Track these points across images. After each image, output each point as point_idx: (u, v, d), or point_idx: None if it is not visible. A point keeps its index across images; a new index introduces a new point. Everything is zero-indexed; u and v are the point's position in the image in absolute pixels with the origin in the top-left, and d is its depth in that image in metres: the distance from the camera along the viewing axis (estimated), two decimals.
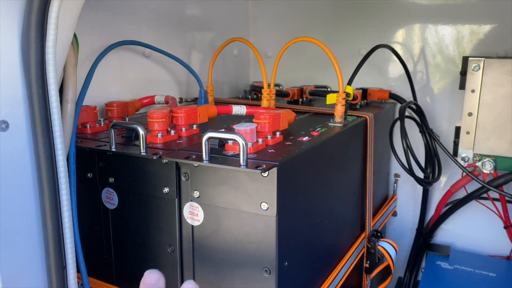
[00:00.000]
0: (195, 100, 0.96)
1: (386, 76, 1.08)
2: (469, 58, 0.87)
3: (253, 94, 1.05)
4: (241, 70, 1.20)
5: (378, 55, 0.87)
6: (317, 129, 0.66)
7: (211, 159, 0.49)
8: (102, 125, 0.67)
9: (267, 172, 0.47)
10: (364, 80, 1.01)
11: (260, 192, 0.48)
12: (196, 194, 0.52)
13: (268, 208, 0.48)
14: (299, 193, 0.54)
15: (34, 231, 0.44)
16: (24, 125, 0.43)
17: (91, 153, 0.59)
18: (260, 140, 0.55)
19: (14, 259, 0.43)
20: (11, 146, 0.42)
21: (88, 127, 0.64)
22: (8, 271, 0.43)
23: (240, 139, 0.47)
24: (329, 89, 1.06)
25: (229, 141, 0.52)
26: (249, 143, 0.52)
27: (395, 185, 1.07)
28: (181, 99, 0.95)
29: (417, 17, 1.02)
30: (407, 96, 1.00)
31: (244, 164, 0.47)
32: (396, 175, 1.06)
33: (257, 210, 0.49)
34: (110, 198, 0.59)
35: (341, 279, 0.71)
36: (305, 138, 0.60)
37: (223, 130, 0.63)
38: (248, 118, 0.76)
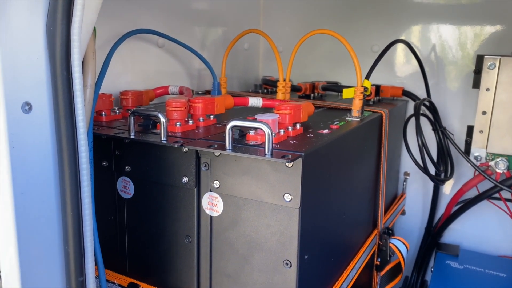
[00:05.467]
0: (206, 93, 0.95)
1: (397, 73, 1.07)
2: (485, 57, 0.86)
3: (263, 88, 1.04)
4: (250, 64, 1.19)
5: (389, 52, 0.86)
6: (335, 123, 0.65)
7: (234, 148, 0.48)
8: (117, 113, 0.66)
9: (291, 163, 0.46)
10: (376, 76, 1.00)
11: (284, 183, 0.47)
12: (216, 184, 0.51)
13: (291, 199, 0.47)
14: (320, 185, 0.54)
15: (53, 217, 0.43)
16: (47, 108, 0.42)
17: (107, 141, 0.58)
18: (281, 131, 0.54)
19: (33, 244, 0.42)
20: (34, 128, 0.41)
21: (103, 115, 0.63)
22: (26, 256, 0.42)
23: (266, 128, 0.46)
24: (339, 85, 1.05)
25: (251, 131, 0.51)
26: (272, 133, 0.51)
27: (405, 183, 1.06)
28: (192, 91, 0.93)
29: (430, 15, 1.01)
30: (418, 94, 1.00)
31: (269, 153, 0.46)
32: (406, 174, 1.06)
33: (279, 201, 0.48)
34: (126, 187, 0.58)
35: (354, 276, 0.70)
36: (325, 131, 0.59)
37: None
38: (264, 110, 0.75)
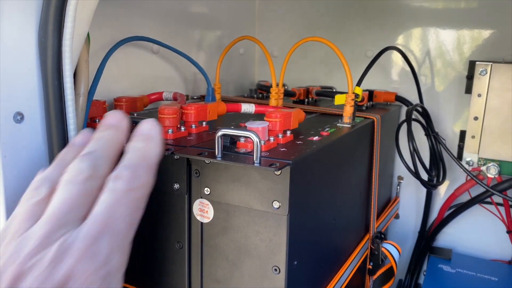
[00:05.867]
0: (201, 98, 0.96)
1: (390, 78, 1.08)
2: (476, 63, 0.87)
3: (258, 93, 1.05)
4: (246, 69, 1.20)
5: (383, 57, 0.88)
6: (326, 129, 0.66)
7: (223, 156, 0.49)
8: None
9: (280, 171, 0.47)
10: (369, 81, 1.01)
11: (272, 191, 0.48)
12: (207, 191, 0.52)
13: (279, 206, 0.48)
14: (309, 192, 0.54)
15: None
16: (39, 117, 0.43)
17: None
18: (271, 138, 0.54)
19: None
20: (26, 138, 0.42)
21: (97, 122, 0.64)
22: None
23: (254, 137, 0.46)
24: (334, 90, 1.06)
25: (241, 139, 0.52)
26: (261, 141, 0.52)
27: (398, 187, 1.07)
28: (187, 96, 0.94)
29: (424, 20, 1.02)
30: (412, 99, 1.01)
31: (258, 162, 0.46)
32: (400, 178, 1.06)
33: (268, 208, 0.49)
34: None
35: (345, 280, 0.71)
36: (315, 138, 0.60)
37: (232, 127, 0.63)
38: (257, 116, 0.75)
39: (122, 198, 0.32)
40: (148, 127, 0.36)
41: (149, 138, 0.35)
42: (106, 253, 0.30)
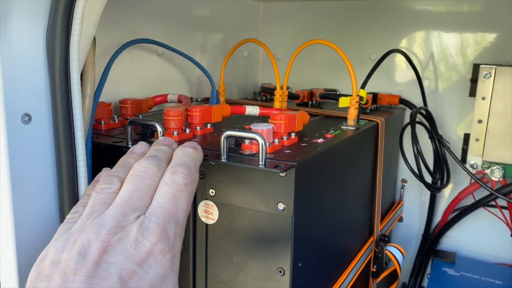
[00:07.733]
0: (205, 100, 0.96)
1: (394, 81, 1.08)
2: (481, 66, 0.87)
3: (262, 96, 1.06)
4: (250, 72, 1.21)
5: (387, 60, 0.88)
6: (330, 132, 0.66)
7: (229, 158, 0.49)
8: (116, 121, 0.67)
9: (285, 172, 0.47)
10: (374, 84, 1.01)
11: (277, 192, 0.48)
12: (212, 192, 0.53)
13: (284, 208, 0.48)
14: (314, 194, 0.55)
15: (52, 224, 0.45)
16: (46, 119, 0.43)
17: (106, 149, 0.59)
18: (276, 140, 0.55)
19: (31, 252, 0.43)
20: (33, 139, 0.42)
21: (102, 123, 0.65)
22: (25, 263, 0.43)
23: (260, 139, 0.47)
24: (338, 93, 1.07)
25: (246, 141, 0.53)
26: (266, 143, 0.52)
27: (402, 190, 1.07)
28: (191, 98, 0.95)
29: (427, 24, 1.03)
30: (416, 102, 1.01)
31: (263, 163, 0.47)
32: (403, 181, 1.06)
33: (273, 210, 0.49)
34: None
35: (349, 283, 0.71)
36: (320, 140, 0.60)
37: (237, 129, 0.63)
38: (261, 119, 0.76)
39: (182, 191, 0.38)
40: (194, 143, 0.46)
41: (195, 147, 0.45)
42: (173, 238, 0.36)
